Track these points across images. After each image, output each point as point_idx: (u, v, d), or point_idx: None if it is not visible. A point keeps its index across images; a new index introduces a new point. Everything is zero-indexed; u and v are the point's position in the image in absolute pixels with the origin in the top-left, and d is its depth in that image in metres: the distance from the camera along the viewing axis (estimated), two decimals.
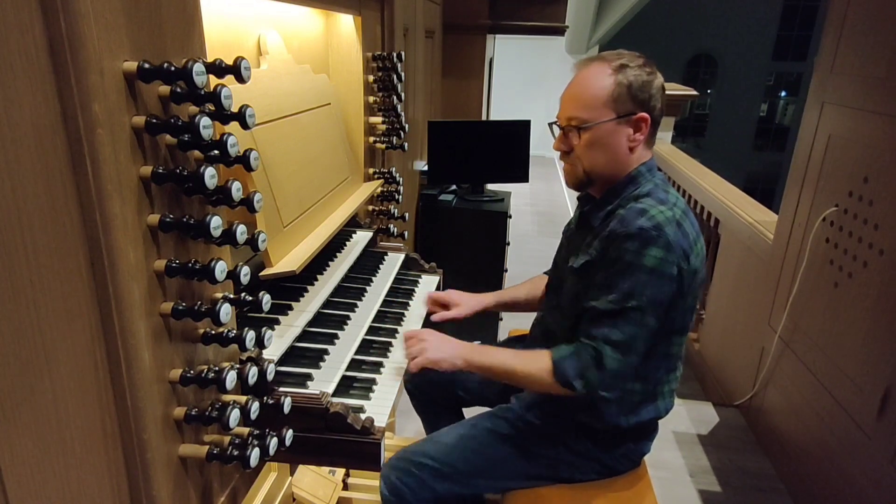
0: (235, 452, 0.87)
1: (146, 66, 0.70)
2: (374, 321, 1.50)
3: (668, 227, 1.21)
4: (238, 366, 0.90)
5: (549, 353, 1.28)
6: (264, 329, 0.94)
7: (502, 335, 3.25)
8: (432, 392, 1.71)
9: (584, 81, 1.28)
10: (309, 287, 1.44)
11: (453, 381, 1.67)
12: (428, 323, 1.60)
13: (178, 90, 0.76)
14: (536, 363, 1.29)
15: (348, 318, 1.45)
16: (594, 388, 1.24)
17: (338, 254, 1.67)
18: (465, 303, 1.62)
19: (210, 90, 0.77)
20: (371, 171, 1.96)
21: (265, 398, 0.96)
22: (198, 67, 0.74)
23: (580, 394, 1.25)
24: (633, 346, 1.23)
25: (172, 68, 0.73)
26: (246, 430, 0.92)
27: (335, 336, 1.35)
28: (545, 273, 1.70)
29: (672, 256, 1.21)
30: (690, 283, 1.26)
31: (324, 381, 1.20)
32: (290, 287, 1.40)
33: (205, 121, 0.76)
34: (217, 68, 0.78)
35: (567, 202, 7.12)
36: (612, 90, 1.24)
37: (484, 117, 4.02)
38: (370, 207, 2.02)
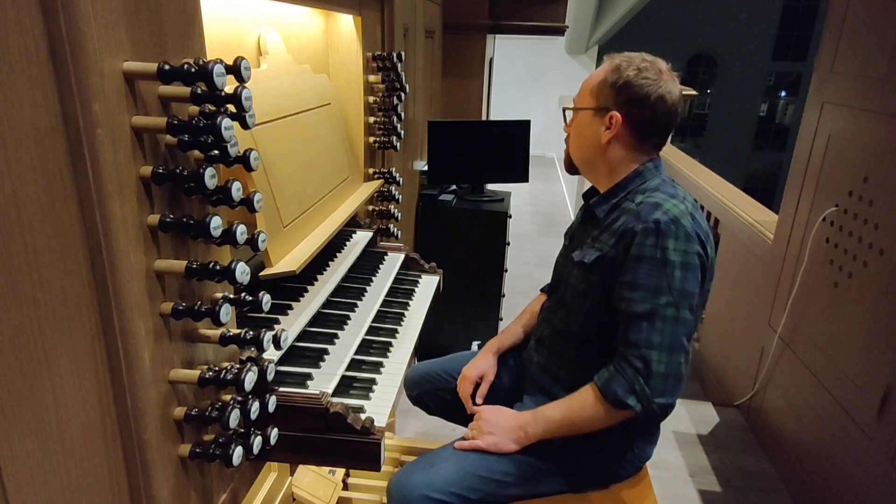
0: (219, 451, 0.87)
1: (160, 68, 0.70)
2: (374, 321, 1.50)
3: (683, 218, 1.21)
4: (238, 366, 0.90)
5: (592, 384, 1.25)
6: (280, 329, 0.96)
7: None
8: (430, 402, 1.71)
9: (592, 72, 1.37)
10: (309, 287, 1.44)
11: (443, 389, 1.66)
12: (427, 326, 1.59)
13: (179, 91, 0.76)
14: (585, 399, 1.25)
15: (348, 317, 1.45)
16: (650, 400, 1.18)
17: (338, 254, 1.66)
18: (490, 365, 1.58)
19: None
20: (371, 171, 1.96)
21: (265, 397, 0.96)
22: (218, 69, 0.75)
23: (640, 413, 1.19)
24: (676, 342, 1.19)
25: (167, 67, 0.73)
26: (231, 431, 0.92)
27: (335, 336, 1.35)
28: (542, 291, 1.69)
29: (693, 246, 1.21)
30: (709, 272, 1.26)
31: (324, 381, 1.20)
32: (290, 287, 1.40)
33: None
34: None
35: (567, 202, 7.11)
36: (598, 82, 1.31)
37: (484, 117, 4.02)
38: (370, 207, 2.02)
